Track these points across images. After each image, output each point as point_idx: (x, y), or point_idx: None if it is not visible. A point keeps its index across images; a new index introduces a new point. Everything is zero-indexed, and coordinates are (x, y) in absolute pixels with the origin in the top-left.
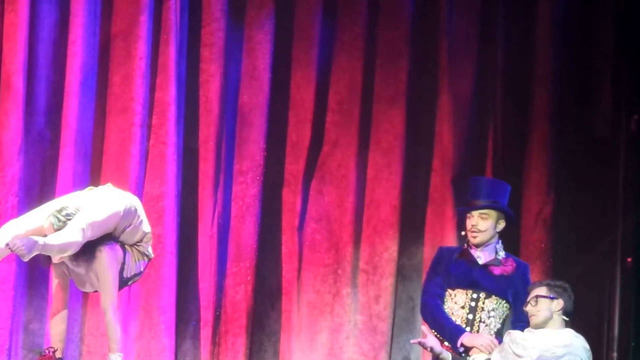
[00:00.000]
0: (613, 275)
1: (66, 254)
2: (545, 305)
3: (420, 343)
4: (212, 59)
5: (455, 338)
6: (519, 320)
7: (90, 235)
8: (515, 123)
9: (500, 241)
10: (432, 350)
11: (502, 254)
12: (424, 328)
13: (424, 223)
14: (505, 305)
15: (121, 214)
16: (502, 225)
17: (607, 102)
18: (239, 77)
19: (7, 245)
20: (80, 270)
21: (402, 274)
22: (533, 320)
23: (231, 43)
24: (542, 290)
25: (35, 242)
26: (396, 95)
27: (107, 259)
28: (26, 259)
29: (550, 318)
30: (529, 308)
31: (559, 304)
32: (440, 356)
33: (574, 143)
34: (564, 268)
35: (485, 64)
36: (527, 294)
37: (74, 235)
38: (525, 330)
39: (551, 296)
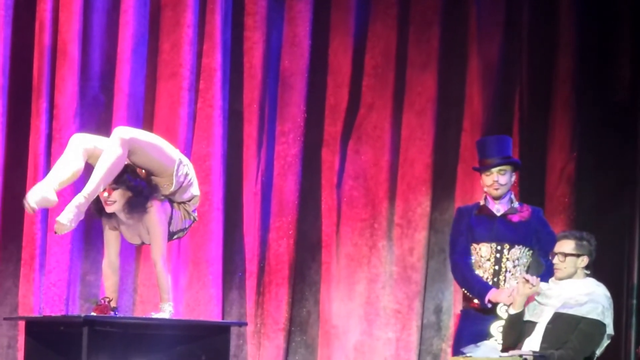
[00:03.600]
0: (632, 227)
1: (113, 177)
2: (571, 262)
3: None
4: (255, 27)
5: (482, 295)
6: (545, 255)
7: (129, 145)
8: (539, 86)
9: (512, 192)
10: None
11: (516, 203)
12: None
13: (454, 180)
14: (527, 253)
15: (176, 161)
16: (514, 177)
17: (626, 66)
18: (280, 44)
19: (55, 232)
20: (131, 223)
21: (434, 228)
22: (558, 274)
23: (273, 12)
24: (569, 247)
25: (76, 208)
26: (428, 60)
27: (157, 214)
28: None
29: (574, 273)
30: (555, 261)
31: (583, 260)
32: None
33: (595, 105)
34: (586, 220)
35: (511, 31)
36: (547, 233)
37: (112, 153)
38: (550, 280)
39: (578, 254)
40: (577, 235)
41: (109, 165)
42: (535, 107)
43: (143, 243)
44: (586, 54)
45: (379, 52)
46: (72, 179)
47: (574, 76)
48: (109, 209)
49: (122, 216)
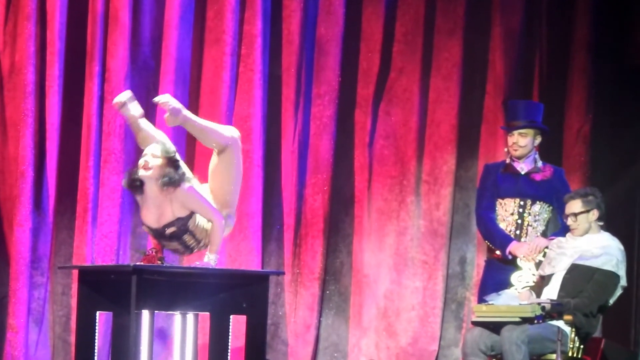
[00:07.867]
0: None
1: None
2: (583, 219)
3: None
4: None
5: (504, 246)
6: (563, 214)
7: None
8: (558, 52)
9: (537, 152)
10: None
11: (540, 163)
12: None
13: (478, 140)
14: (547, 208)
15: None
16: (539, 139)
17: (639, 32)
18: (316, 12)
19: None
20: (158, 200)
21: (459, 184)
22: (574, 233)
23: None
24: (577, 206)
25: (180, 109)
26: (454, 27)
27: (189, 189)
28: (170, 124)
29: (589, 228)
30: (569, 222)
31: (594, 214)
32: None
33: (609, 69)
34: (600, 178)
35: (532, 1)
36: (566, 193)
37: (221, 135)
38: (567, 234)
39: (587, 209)
40: (581, 193)
41: (209, 129)
42: (553, 71)
43: (158, 228)
44: (602, 22)
45: (408, 20)
46: (140, 133)
47: (590, 42)
48: (144, 173)
49: (152, 188)
